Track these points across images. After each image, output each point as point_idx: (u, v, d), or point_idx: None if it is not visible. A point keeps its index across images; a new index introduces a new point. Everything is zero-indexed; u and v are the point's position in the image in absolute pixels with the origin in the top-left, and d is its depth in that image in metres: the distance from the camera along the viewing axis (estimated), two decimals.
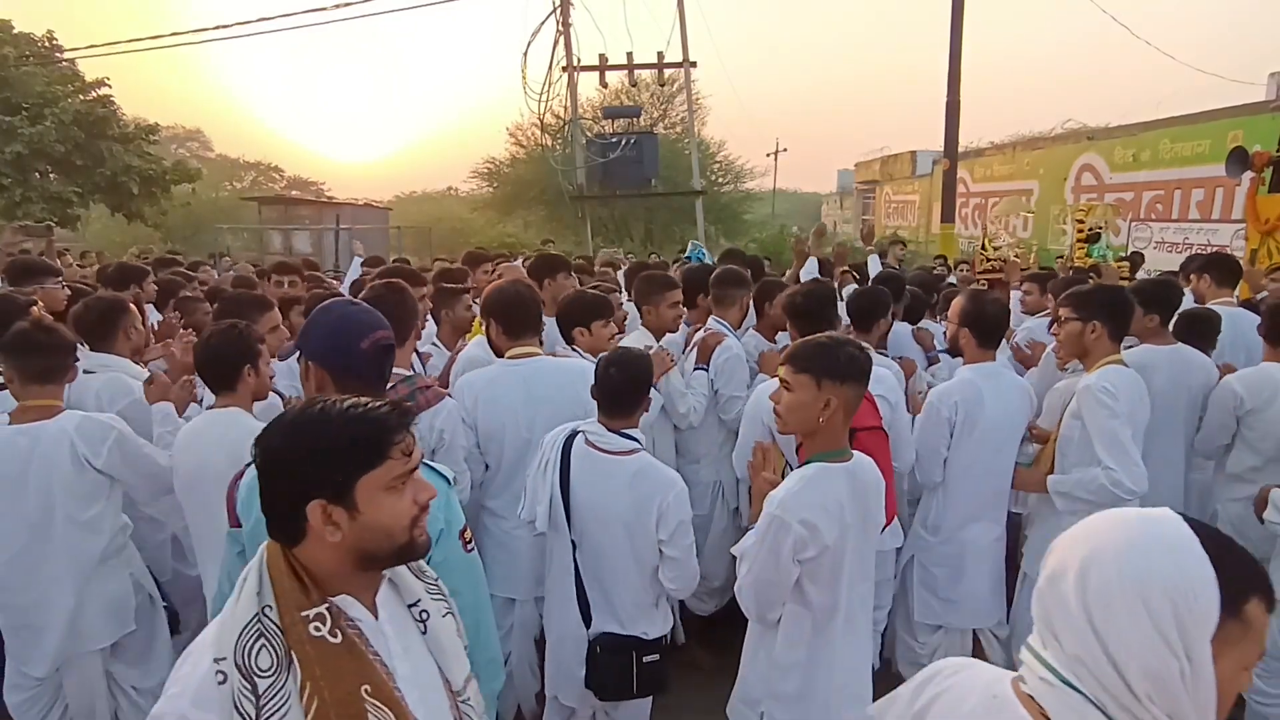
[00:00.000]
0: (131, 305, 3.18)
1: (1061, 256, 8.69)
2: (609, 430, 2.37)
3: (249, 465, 1.73)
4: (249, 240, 21.03)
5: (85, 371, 2.86)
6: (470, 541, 1.70)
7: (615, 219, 21.52)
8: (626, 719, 2.55)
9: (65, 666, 2.53)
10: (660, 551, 2.35)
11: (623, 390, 2.35)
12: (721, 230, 23.48)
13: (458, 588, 1.65)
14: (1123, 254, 8.16)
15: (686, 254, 7.77)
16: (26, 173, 16.90)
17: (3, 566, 2.43)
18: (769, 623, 2.03)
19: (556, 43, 13.08)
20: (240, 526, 1.70)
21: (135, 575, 2.65)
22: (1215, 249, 7.70)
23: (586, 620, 2.38)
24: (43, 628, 2.45)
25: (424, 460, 1.67)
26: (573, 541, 2.39)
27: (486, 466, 2.85)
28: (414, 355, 3.07)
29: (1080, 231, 7.23)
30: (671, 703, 2.73)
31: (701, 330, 3.65)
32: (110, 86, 18.87)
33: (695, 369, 3.44)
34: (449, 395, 2.67)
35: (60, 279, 4.16)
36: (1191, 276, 4.75)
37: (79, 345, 2.68)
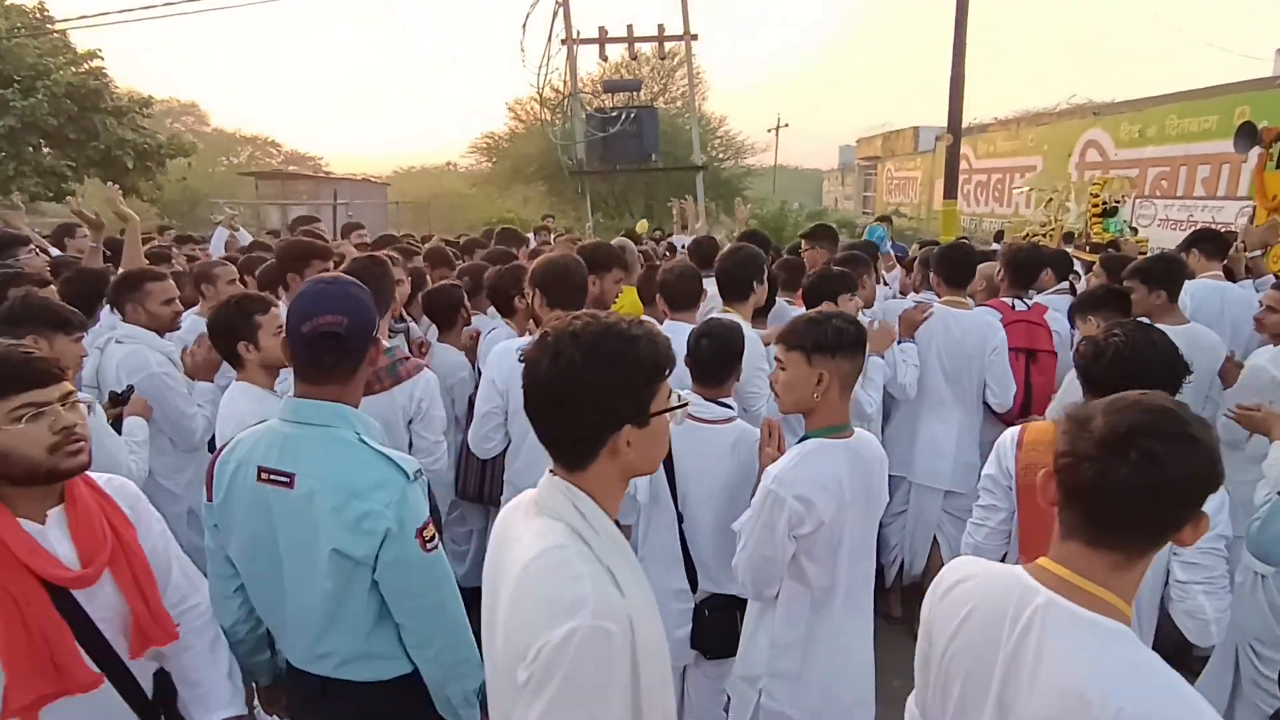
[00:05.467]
0: (141, 280, 3.11)
1: (1071, 234, 8.56)
2: (706, 400, 2.39)
3: (229, 442, 1.68)
4: (246, 215, 20.89)
5: (117, 342, 2.98)
6: (432, 539, 1.59)
7: (615, 194, 21.35)
8: (716, 674, 2.52)
9: None
10: None
11: (714, 361, 2.39)
12: (722, 206, 23.31)
13: (414, 589, 1.58)
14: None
15: (865, 235, 7.74)
16: (19, 146, 16.74)
17: None
18: (766, 599, 2.01)
19: (555, 15, 12.86)
20: (213, 501, 1.66)
21: None
22: (1222, 227, 7.60)
23: (693, 585, 2.41)
24: None
25: (379, 449, 1.59)
26: (679, 513, 2.40)
27: (510, 440, 2.83)
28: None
29: (1096, 206, 7.08)
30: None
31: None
32: (103, 59, 18.63)
33: (901, 341, 3.53)
34: (428, 367, 2.69)
35: (31, 246, 4.15)
36: (1182, 253, 4.69)
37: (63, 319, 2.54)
